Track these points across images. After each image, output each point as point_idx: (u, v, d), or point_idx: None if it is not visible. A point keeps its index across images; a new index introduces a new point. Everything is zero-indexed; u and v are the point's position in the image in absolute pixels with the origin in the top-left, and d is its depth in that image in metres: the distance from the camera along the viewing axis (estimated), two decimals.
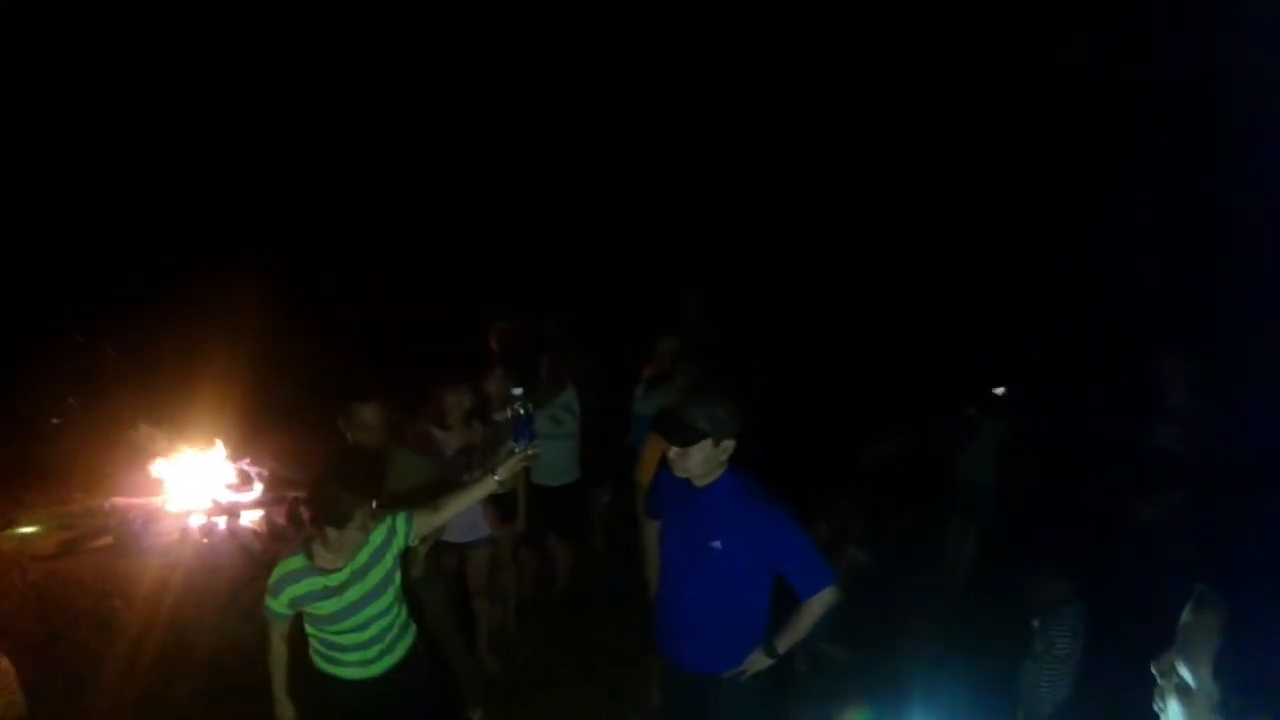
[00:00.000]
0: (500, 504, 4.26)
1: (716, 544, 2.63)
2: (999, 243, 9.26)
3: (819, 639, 4.35)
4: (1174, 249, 8.00)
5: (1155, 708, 1.22)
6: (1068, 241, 9.09)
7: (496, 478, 2.76)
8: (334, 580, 2.65)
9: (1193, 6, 8.55)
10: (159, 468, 5.96)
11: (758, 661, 2.73)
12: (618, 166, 11.24)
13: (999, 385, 5.12)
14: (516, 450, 2.73)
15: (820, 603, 2.66)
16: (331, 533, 2.56)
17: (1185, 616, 1.17)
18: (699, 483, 2.67)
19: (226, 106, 10.34)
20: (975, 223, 9.54)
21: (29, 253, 8.84)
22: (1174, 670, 1.16)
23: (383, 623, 2.78)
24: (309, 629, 2.78)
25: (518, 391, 2.77)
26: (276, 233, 9.85)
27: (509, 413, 2.91)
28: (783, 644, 2.72)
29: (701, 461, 2.60)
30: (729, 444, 2.61)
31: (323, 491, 2.58)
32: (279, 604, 2.67)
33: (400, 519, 2.78)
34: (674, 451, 2.61)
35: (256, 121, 10.44)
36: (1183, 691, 1.14)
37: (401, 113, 11.09)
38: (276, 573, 2.67)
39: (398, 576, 2.81)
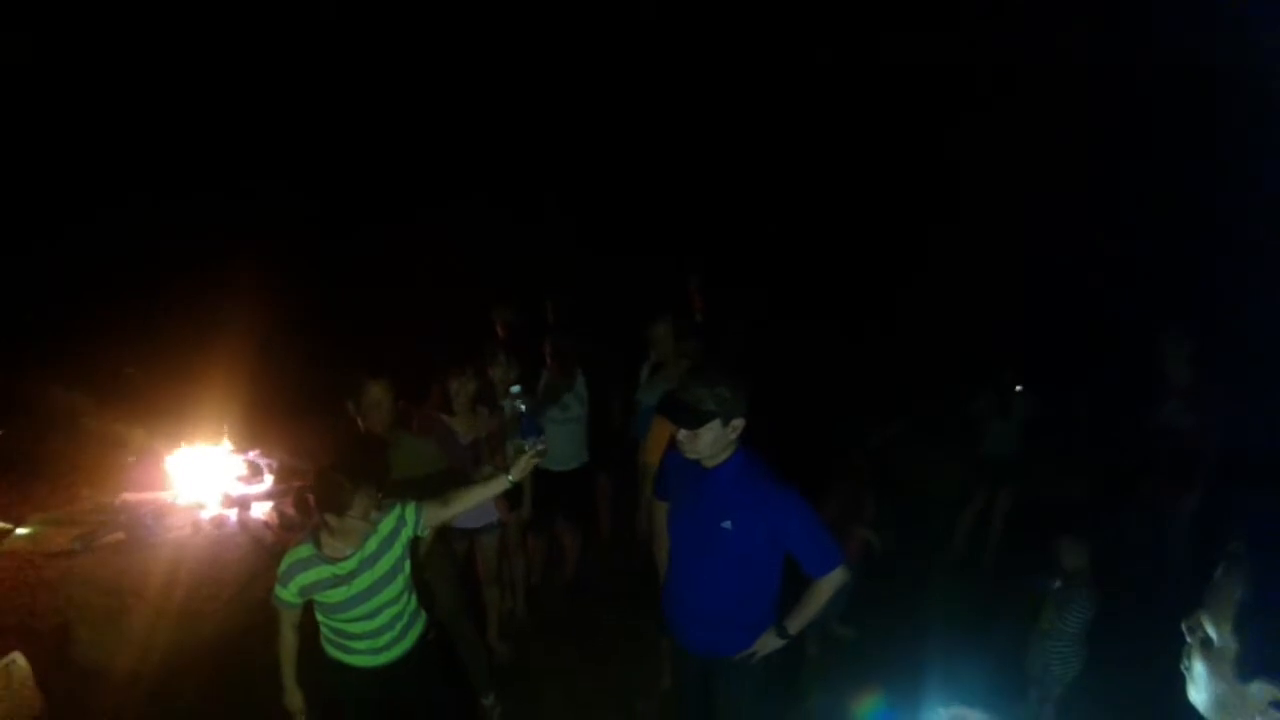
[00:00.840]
0: (507, 490, 4.26)
1: (727, 525, 2.61)
2: (1005, 232, 9.26)
3: (831, 620, 4.34)
4: (1179, 241, 8.00)
5: (1183, 668, 1.21)
6: (1076, 231, 9.08)
7: (510, 478, 2.80)
8: (342, 569, 2.65)
9: (1193, 5, 8.52)
10: (169, 462, 5.97)
11: (769, 643, 2.72)
12: (622, 154, 11.22)
13: (1016, 382, 5.09)
14: (526, 448, 2.72)
15: (830, 583, 2.64)
16: (334, 520, 2.57)
17: (1217, 574, 1.16)
18: (709, 464, 2.63)
19: (232, 96, 10.31)
20: (981, 213, 9.53)
21: (36, 247, 8.82)
22: (1200, 627, 1.16)
23: (392, 610, 2.78)
24: (319, 617, 2.78)
25: (515, 389, 2.74)
26: (282, 223, 9.82)
27: (508, 407, 2.88)
28: (793, 625, 2.71)
29: (711, 442, 2.57)
30: (738, 423, 2.58)
31: (324, 480, 2.59)
32: (288, 593, 2.68)
33: (410, 509, 2.77)
34: (683, 434, 2.58)
35: (265, 113, 10.42)
36: (1206, 647, 1.14)
37: (405, 105, 11.06)
38: (285, 561, 2.69)
39: (407, 565, 2.81)
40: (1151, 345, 4.55)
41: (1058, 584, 3.49)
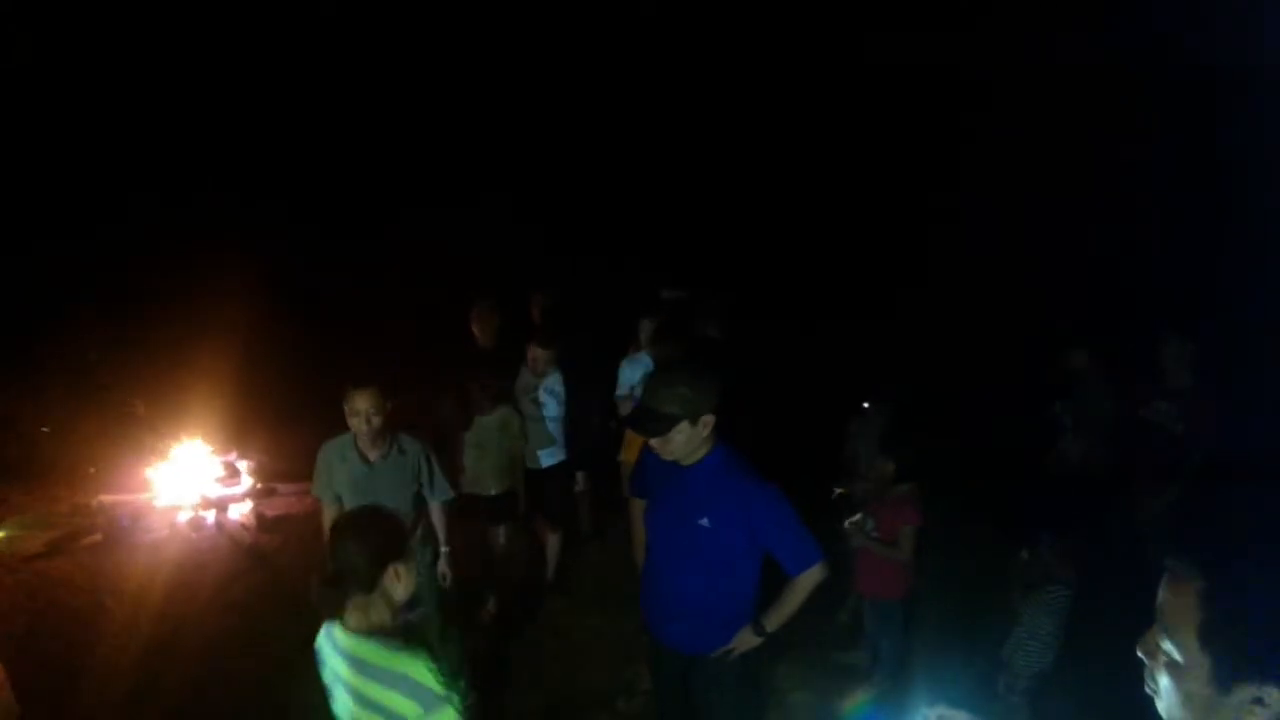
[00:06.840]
0: None
1: (705, 522, 2.60)
2: (1004, 233, 9.33)
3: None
4: (1180, 241, 8.07)
5: (1149, 690, 1.22)
6: (1074, 231, 9.17)
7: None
8: None
9: (1194, 5, 8.59)
10: (147, 464, 5.93)
11: (746, 640, 2.72)
12: (610, 158, 11.24)
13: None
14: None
15: (809, 580, 2.64)
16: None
17: (1161, 594, 1.17)
18: (686, 461, 2.62)
19: (221, 98, 10.23)
20: (979, 214, 9.60)
21: (15, 248, 8.72)
22: (1158, 648, 1.17)
23: None
24: None
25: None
26: (267, 226, 9.76)
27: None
28: (771, 622, 2.70)
29: (684, 443, 2.55)
30: (709, 419, 2.55)
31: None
32: None
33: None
34: (654, 441, 2.57)
35: (251, 114, 10.34)
36: (1172, 667, 1.15)
37: (392, 106, 11.01)
38: None
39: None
40: (1150, 346, 4.59)
41: (1033, 580, 3.52)
